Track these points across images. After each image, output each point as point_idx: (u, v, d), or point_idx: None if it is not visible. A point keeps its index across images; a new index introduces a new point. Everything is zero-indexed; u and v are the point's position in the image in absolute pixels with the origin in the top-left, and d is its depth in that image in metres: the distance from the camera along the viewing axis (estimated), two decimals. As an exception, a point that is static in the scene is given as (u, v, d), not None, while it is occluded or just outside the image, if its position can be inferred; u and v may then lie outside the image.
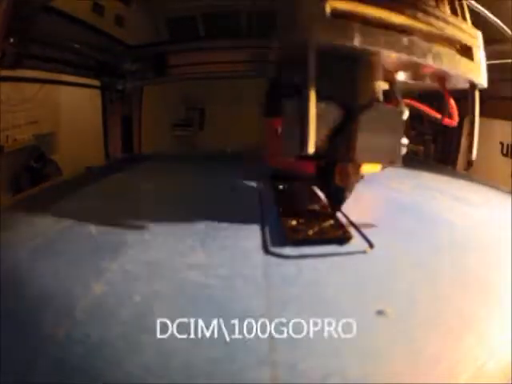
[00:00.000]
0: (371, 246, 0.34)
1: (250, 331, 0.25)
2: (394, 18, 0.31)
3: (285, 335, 0.24)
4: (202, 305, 0.27)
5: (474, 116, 0.40)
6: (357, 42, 0.29)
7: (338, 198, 0.39)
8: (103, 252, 0.34)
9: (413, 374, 0.23)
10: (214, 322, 0.25)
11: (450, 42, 0.34)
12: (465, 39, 0.34)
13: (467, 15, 0.37)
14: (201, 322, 0.25)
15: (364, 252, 0.33)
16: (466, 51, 0.35)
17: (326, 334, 0.25)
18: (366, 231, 0.36)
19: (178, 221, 0.41)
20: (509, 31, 0.72)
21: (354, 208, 0.41)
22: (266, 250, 0.33)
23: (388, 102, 0.38)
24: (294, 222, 0.37)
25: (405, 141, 0.38)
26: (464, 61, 0.34)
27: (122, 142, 1.12)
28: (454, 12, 0.36)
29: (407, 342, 0.25)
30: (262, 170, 0.62)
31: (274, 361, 0.23)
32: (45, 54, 0.79)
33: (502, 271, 0.33)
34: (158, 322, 0.26)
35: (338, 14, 0.29)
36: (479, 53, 0.35)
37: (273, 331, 0.25)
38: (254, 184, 0.55)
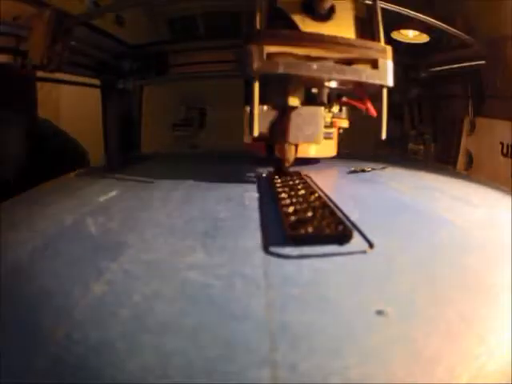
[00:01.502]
0: (371, 245, 0.34)
1: (250, 331, 0.25)
2: (311, 52, 0.46)
3: (285, 335, 0.24)
4: (202, 305, 0.27)
5: (383, 111, 0.51)
6: (281, 69, 0.45)
7: (279, 167, 0.56)
8: (103, 252, 0.34)
9: (413, 374, 0.23)
10: (214, 321, 0.25)
11: (359, 59, 0.48)
12: (370, 55, 0.48)
13: (381, 37, 0.50)
14: (201, 322, 0.25)
15: (364, 252, 0.33)
16: (373, 63, 0.48)
17: (326, 334, 0.25)
18: (366, 231, 0.36)
19: (178, 221, 0.41)
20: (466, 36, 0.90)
21: (354, 208, 0.41)
22: (266, 250, 0.33)
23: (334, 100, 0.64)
24: (293, 220, 0.37)
25: (330, 131, 0.69)
26: (368, 70, 0.48)
27: (122, 142, 1.12)
28: (372, 36, 0.51)
29: (407, 342, 0.25)
30: (262, 169, 0.62)
31: (274, 361, 0.23)
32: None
33: (502, 271, 0.33)
34: (158, 322, 0.26)
35: (272, 54, 0.45)
36: (385, 62, 0.48)
37: (273, 331, 0.25)
38: (254, 184, 0.55)
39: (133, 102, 1.16)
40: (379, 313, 0.26)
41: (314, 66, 0.46)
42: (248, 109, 0.49)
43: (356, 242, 0.34)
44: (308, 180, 0.53)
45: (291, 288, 0.29)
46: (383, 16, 0.52)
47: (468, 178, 0.74)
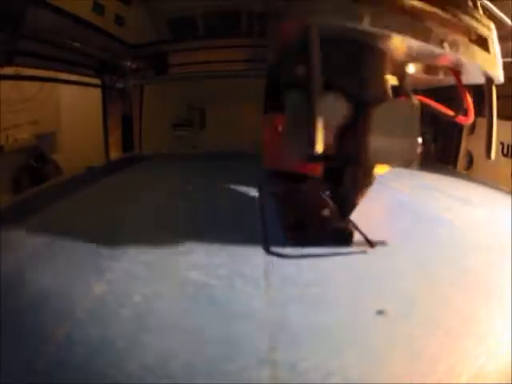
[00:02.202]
0: (372, 245, 0.34)
1: (250, 331, 0.25)
2: (406, 1, 0.28)
3: (285, 335, 0.24)
4: (203, 304, 0.27)
5: (491, 114, 0.37)
6: (366, 24, 0.26)
7: (347, 203, 0.36)
8: (104, 252, 0.34)
9: (413, 374, 0.23)
10: (215, 321, 0.26)
11: (466, 31, 0.31)
12: (481, 30, 0.32)
13: (480, 8, 0.35)
14: (201, 322, 0.25)
15: (364, 252, 0.33)
16: (482, 43, 0.32)
17: (326, 334, 0.25)
18: (366, 231, 0.36)
19: (179, 221, 0.41)
20: (509, 21, 0.68)
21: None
22: (267, 250, 0.33)
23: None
24: (294, 220, 0.37)
25: (420, 139, 0.33)
26: (481, 52, 0.32)
27: (123, 142, 1.12)
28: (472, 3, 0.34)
29: (407, 342, 0.25)
30: (263, 168, 0.62)
31: (274, 360, 0.23)
32: (46, 53, 0.79)
33: (501, 271, 0.33)
34: (158, 321, 0.26)
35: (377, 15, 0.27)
36: (495, 45, 0.33)
37: (273, 331, 0.25)
38: (254, 183, 0.55)
39: (133, 102, 1.16)
40: (379, 312, 0.26)
41: (419, 26, 0.29)
42: (292, 101, 0.29)
43: (356, 241, 0.34)
44: (309, 181, 0.53)
45: (291, 288, 0.29)
46: None
47: (468, 178, 0.74)
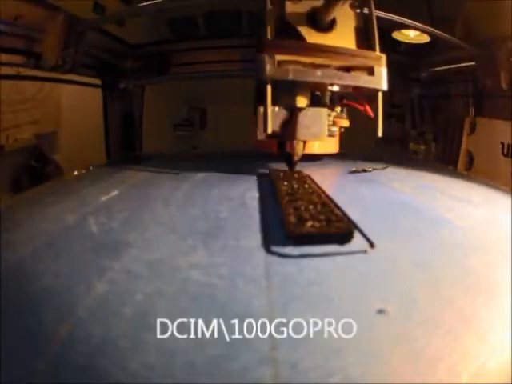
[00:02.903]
0: (372, 245, 0.34)
1: (251, 330, 0.25)
2: (315, 60, 0.52)
3: (286, 334, 0.25)
4: (204, 304, 0.27)
5: (378, 113, 0.57)
6: (291, 76, 0.51)
7: (289, 160, 0.61)
8: (105, 251, 0.34)
9: (413, 374, 0.23)
10: (216, 321, 0.26)
11: (356, 66, 0.54)
12: (366, 63, 0.54)
13: (377, 45, 0.56)
14: (202, 321, 0.26)
15: (365, 252, 0.33)
16: (370, 70, 0.54)
17: (326, 334, 0.25)
18: (367, 231, 0.36)
19: (180, 220, 0.41)
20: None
21: (354, 208, 0.41)
22: (268, 250, 0.33)
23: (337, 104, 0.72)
24: (294, 220, 0.37)
25: (335, 129, 0.74)
26: (364, 76, 0.54)
27: (123, 142, 1.12)
28: (369, 44, 0.56)
29: (408, 342, 0.25)
30: (262, 169, 0.62)
31: (275, 360, 0.23)
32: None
33: (502, 271, 0.33)
34: (160, 321, 0.26)
35: (281, 62, 0.51)
36: (380, 69, 0.54)
37: (274, 330, 0.25)
38: (254, 182, 0.55)
39: (134, 102, 1.16)
40: (380, 312, 0.27)
41: (319, 72, 0.52)
42: (262, 109, 0.55)
43: (357, 241, 0.35)
44: (309, 180, 0.54)
45: (292, 287, 0.29)
46: (378, 23, 0.58)
47: (468, 178, 0.75)
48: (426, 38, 1.02)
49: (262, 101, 0.54)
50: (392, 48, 1.10)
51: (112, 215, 0.42)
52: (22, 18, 0.77)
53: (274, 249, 0.33)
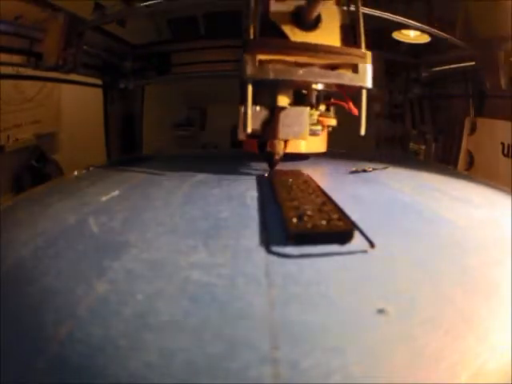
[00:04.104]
0: (372, 245, 0.34)
1: (251, 330, 0.25)
2: (298, 59, 0.51)
3: (286, 334, 0.25)
4: (204, 303, 0.27)
5: (361, 111, 0.57)
6: (271, 75, 0.51)
7: (270, 161, 0.60)
8: (105, 251, 0.35)
9: (413, 373, 0.24)
10: (216, 320, 0.26)
11: (339, 65, 0.53)
12: (351, 60, 0.53)
13: (362, 43, 0.54)
14: (203, 321, 0.26)
15: (365, 251, 0.33)
16: (354, 67, 0.53)
17: (327, 333, 0.25)
18: (367, 231, 0.36)
19: (180, 220, 0.41)
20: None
21: (354, 208, 0.41)
22: (268, 249, 0.33)
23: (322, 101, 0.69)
24: (294, 219, 0.37)
25: (318, 128, 0.69)
26: (349, 74, 0.53)
27: (124, 142, 1.12)
28: (354, 41, 0.55)
29: (408, 341, 0.25)
30: (262, 168, 0.62)
31: (275, 358, 0.23)
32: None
33: (502, 271, 0.33)
34: (160, 320, 0.26)
35: (263, 61, 0.51)
36: (364, 66, 0.53)
37: (274, 329, 0.25)
38: (254, 183, 0.55)
39: (134, 102, 1.16)
40: (380, 311, 0.27)
41: (301, 71, 0.52)
42: (242, 108, 0.54)
43: (357, 241, 0.35)
44: (309, 180, 0.54)
45: (292, 287, 0.29)
46: (365, 22, 0.56)
47: (469, 178, 0.74)
48: (426, 38, 1.02)
49: (244, 100, 0.53)
50: (392, 48, 1.10)
51: (112, 215, 0.42)
52: (22, 17, 0.77)
53: (274, 248, 0.33)
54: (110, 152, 1.10)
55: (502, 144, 0.93)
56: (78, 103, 1.26)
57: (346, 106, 0.66)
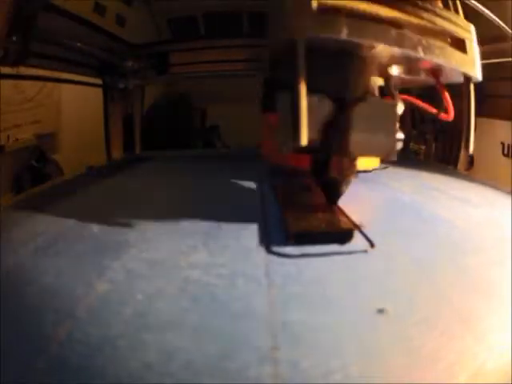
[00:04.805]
0: (372, 245, 0.34)
1: (251, 329, 0.25)
2: (382, 12, 0.31)
3: (286, 333, 0.25)
4: (204, 303, 0.27)
5: (469, 111, 0.38)
6: (344, 34, 0.29)
7: (333, 191, 0.40)
8: (105, 251, 0.35)
9: (412, 373, 0.24)
10: (216, 320, 0.26)
11: (441, 34, 0.34)
12: (457, 32, 0.35)
13: (460, 9, 0.37)
14: (203, 320, 0.26)
15: (365, 251, 0.33)
16: (459, 44, 0.35)
17: (326, 333, 0.25)
18: (366, 231, 0.36)
19: (180, 220, 0.41)
20: (508, 29, 0.72)
21: (354, 207, 0.41)
22: (268, 249, 0.34)
23: (384, 98, 0.39)
24: (294, 220, 0.37)
25: (400, 135, 0.37)
26: (457, 53, 0.35)
27: (124, 142, 1.12)
28: (446, 6, 0.36)
29: (407, 341, 0.25)
30: (262, 168, 0.62)
31: (275, 358, 0.23)
32: (47, 53, 0.79)
33: (501, 271, 0.33)
34: (160, 320, 0.26)
35: (325, 9, 0.29)
36: (473, 46, 0.35)
37: (274, 329, 0.25)
38: (254, 182, 0.55)
39: (134, 102, 1.16)
40: (380, 311, 0.27)
41: (394, 33, 0.31)
42: (285, 101, 0.32)
43: (357, 241, 0.35)
44: (309, 180, 0.54)
45: (292, 287, 0.29)
46: None
47: (468, 178, 0.74)
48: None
49: (270, 96, 0.35)
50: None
51: (112, 215, 0.42)
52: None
53: (274, 248, 0.33)
54: (110, 152, 1.10)
55: (502, 144, 0.93)
56: (78, 103, 1.26)
57: (427, 107, 0.43)
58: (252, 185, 0.54)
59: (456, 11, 0.37)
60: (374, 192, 0.55)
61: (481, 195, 0.59)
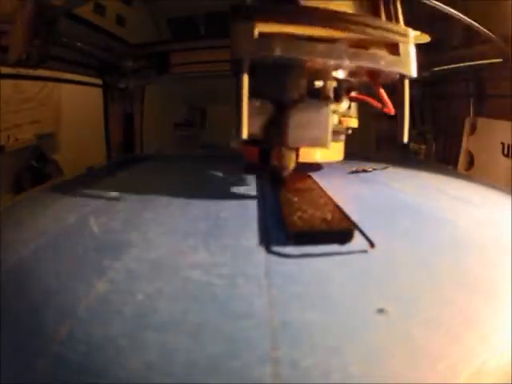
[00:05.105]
0: (372, 245, 0.34)
1: (252, 329, 0.25)
2: (315, 32, 0.37)
3: (286, 333, 0.25)
4: (205, 303, 0.27)
5: (403, 103, 0.43)
6: (278, 52, 0.35)
7: (276, 176, 0.46)
8: (106, 251, 0.35)
9: (414, 373, 0.24)
10: (216, 320, 0.26)
11: (374, 42, 0.39)
12: (389, 37, 0.39)
13: (400, 18, 0.42)
14: (203, 320, 0.26)
15: (365, 251, 0.33)
16: (393, 48, 0.39)
17: (326, 332, 0.25)
18: (367, 231, 0.36)
19: (180, 220, 0.41)
20: (486, 31, 0.77)
21: (355, 207, 0.41)
22: (268, 249, 0.34)
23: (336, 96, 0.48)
24: (294, 220, 0.37)
25: (342, 129, 0.54)
26: (389, 56, 0.39)
27: (124, 142, 1.12)
28: (388, 16, 0.42)
29: (408, 341, 0.25)
30: (262, 168, 0.62)
31: (275, 358, 0.23)
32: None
33: (502, 271, 0.33)
34: (161, 320, 0.26)
35: (264, 35, 0.36)
36: (407, 47, 0.40)
37: (275, 329, 0.25)
38: (254, 182, 0.55)
39: (134, 102, 1.16)
40: (380, 311, 0.27)
41: (321, 47, 0.36)
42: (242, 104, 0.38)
43: (357, 241, 0.35)
44: (309, 180, 0.54)
45: (293, 286, 0.29)
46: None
47: (469, 178, 0.75)
48: (426, 38, 1.02)
49: (237, 93, 0.38)
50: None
51: (112, 215, 0.42)
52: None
53: (274, 248, 0.33)
54: (110, 152, 1.10)
55: (502, 144, 0.93)
56: (78, 103, 1.26)
57: (374, 102, 0.49)
58: (252, 185, 0.54)
59: (397, 20, 0.42)
60: (374, 192, 0.55)
61: (481, 195, 0.59)
